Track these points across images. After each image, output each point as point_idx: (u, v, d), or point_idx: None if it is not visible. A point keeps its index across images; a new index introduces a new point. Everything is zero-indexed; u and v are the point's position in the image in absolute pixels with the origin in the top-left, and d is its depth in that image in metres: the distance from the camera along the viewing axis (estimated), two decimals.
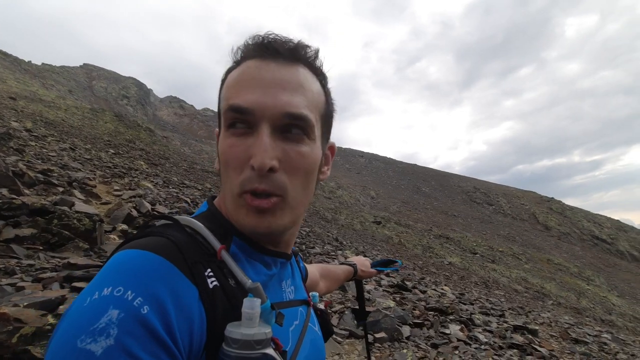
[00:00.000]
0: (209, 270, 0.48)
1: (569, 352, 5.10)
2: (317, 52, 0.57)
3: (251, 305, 0.45)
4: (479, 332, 4.77)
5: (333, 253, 8.99)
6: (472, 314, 5.64)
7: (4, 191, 4.22)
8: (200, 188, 12.58)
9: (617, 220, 46.95)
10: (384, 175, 53.26)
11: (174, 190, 9.86)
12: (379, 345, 3.66)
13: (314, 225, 13.83)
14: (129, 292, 0.38)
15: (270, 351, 0.44)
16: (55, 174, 6.25)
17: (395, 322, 4.07)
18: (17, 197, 4.05)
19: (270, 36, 0.54)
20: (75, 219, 3.87)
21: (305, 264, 0.94)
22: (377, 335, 3.77)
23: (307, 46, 0.56)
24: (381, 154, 71.43)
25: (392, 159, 65.50)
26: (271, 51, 0.53)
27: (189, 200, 8.71)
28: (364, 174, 51.36)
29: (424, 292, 6.77)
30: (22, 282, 2.53)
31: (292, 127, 0.51)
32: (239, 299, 0.48)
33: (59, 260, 3.28)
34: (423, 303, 5.56)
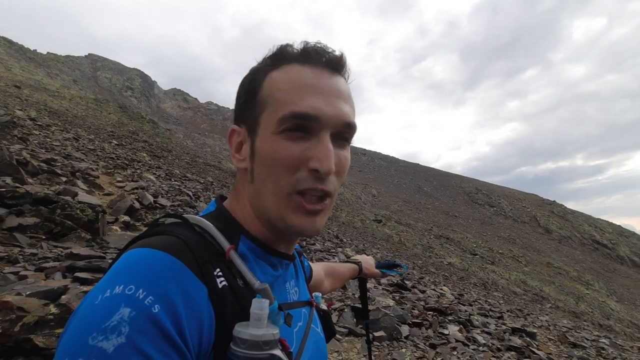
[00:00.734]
0: (218, 270, 0.48)
1: (566, 355, 5.11)
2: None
3: (260, 306, 0.46)
4: (478, 334, 4.78)
5: (333, 250, 9.00)
6: (470, 315, 5.65)
7: (8, 179, 4.24)
8: (202, 181, 12.61)
9: (619, 225, 46.86)
10: (386, 173, 53.25)
11: (176, 182, 9.89)
12: (378, 344, 3.68)
13: None
14: (140, 291, 0.39)
15: (277, 352, 0.45)
16: (59, 164, 6.27)
17: (395, 321, 4.08)
18: (20, 186, 4.06)
19: (319, 45, 0.56)
20: (78, 209, 3.89)
21: (310, 263, 0.94)
22: (377, 334, 3.78)
23: (346, 57, 0.59)
24: (383, 152, 71.33)
25: (394, 158, 65.45)
26: (325, 60, 0.55)
27: (190, 193, 8.74)
28: (365, 172, 51.36)
29: (423, 291, 6.79)
30: (25, 270, 2.55)
31: (344, 134, 0.56)
32: (247, 299, 0.48)
33: (61, 250, 3.30)
34: (422, 303, 5.57)
